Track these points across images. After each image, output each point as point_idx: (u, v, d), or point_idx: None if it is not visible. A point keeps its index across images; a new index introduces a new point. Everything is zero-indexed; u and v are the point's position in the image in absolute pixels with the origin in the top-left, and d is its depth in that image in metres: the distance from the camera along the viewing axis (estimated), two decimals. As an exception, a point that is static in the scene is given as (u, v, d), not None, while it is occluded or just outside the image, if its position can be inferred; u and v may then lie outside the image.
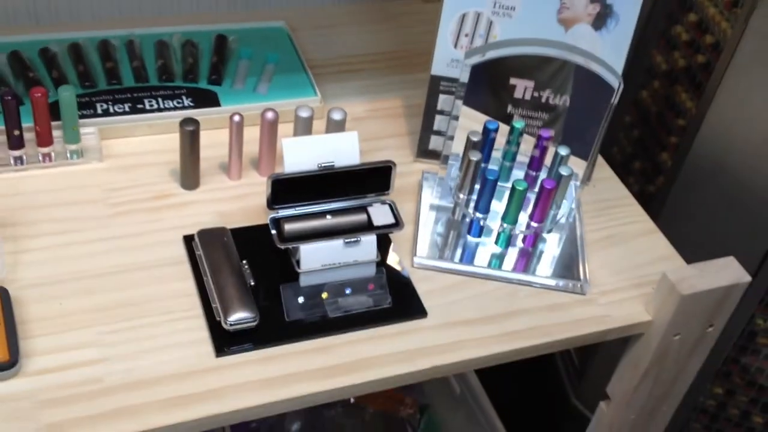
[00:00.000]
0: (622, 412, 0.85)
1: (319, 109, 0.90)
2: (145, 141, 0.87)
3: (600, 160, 0.94)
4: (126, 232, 0.78)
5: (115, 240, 0.77)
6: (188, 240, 0.77)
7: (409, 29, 1.08)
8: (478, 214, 0.81)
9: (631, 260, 0.84)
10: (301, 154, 0.75)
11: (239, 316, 0.70)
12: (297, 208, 0.76)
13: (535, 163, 0.84)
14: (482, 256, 0.81)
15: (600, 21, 0.83)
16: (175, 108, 0.88)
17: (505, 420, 1.15)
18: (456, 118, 0.82)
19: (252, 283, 0.73)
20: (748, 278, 0.78)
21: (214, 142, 0.85)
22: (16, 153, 0.81)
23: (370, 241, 0.76)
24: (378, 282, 0.76)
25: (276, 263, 0.75)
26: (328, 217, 0.76)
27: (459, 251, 0.82)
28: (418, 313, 0.75)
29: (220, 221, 0.80)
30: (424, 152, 0.90)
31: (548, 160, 0.83)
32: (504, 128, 0.83)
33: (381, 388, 0.71)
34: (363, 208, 0.77)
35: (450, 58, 0.85)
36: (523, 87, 0.82)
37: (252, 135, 0.84)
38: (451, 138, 0.83)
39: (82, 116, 0.85)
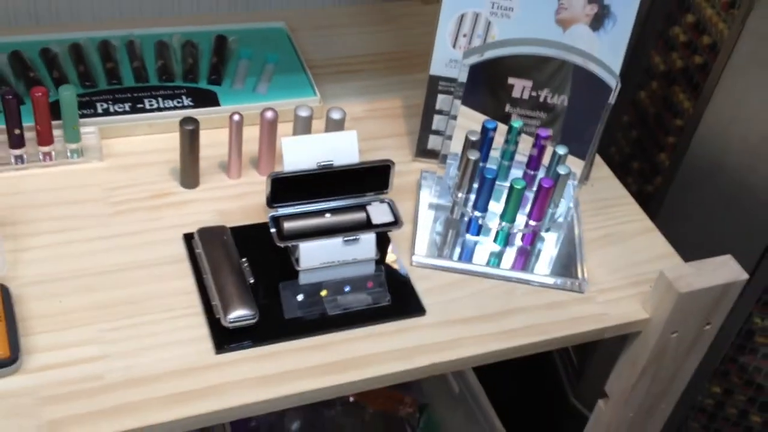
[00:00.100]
0: (620, 410, 0.85)
1: (319, 109, 0.91)
2: (145, 140, 0.87)
3: (598, 159, 0.94)
4: (126, 230, 0.78)
5: (115, 238, 0.77)
6: (188, 238, 0.78)
7: (408, 30, 1.08)
8: (477, 213, 0.81)
9: (629, 259, 0.84)
10: (301, 153, 0.75)
11: (239, 314, 0.70)
12: (296, 207, 0.76)
13: (533, 163, 0.85)
14: (481, 255, 0.82)
15: (598, 22, 0.83)
16: (175, 108, 0.89)
17: (503, 419, 1.15)
18: (454, 117, 0.83)
19: (251, 281, 0.73)
20: (745, 276, 0.78)
21: (213, 141, 0.86)
22: (17, 152, 0.81)
23: (369, 239, 0.76)
24: (377, 280, 0.76)
25: (275, 261, 0.76)
26: (328, 215, 0.76)
27: (457, 250, 0.82)
28: (416, 311, 0.75)
29: (220, 220, 0.80)
30: (423, 152, 0.91)
31: (546, 159, 0.84)
32: (502, 128, 0.83)
33: (380, 385, 0.71)
34: (362, 207, 0.78)
35: (448, 58, 0.86)
36: (521, 86, 0.82)
37: (251, 134, 0.84)
38: (450, 137, 0.84)
39: (83, 116, 0.85)
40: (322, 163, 0.76)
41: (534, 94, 0.82)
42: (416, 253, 0.80)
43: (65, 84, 0.83)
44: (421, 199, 0.86)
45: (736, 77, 0.95)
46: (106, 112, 0.87)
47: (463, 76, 0.80)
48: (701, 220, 1.04)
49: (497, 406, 1.16)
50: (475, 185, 0.81)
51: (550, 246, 0.84)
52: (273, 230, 0.75)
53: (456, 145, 0.83)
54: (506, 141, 0.84)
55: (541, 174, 0.85)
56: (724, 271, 0.78)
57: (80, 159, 0.84)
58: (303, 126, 0.84)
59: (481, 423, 1.16)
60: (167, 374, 0.67)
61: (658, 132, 1.10)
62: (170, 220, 0.80)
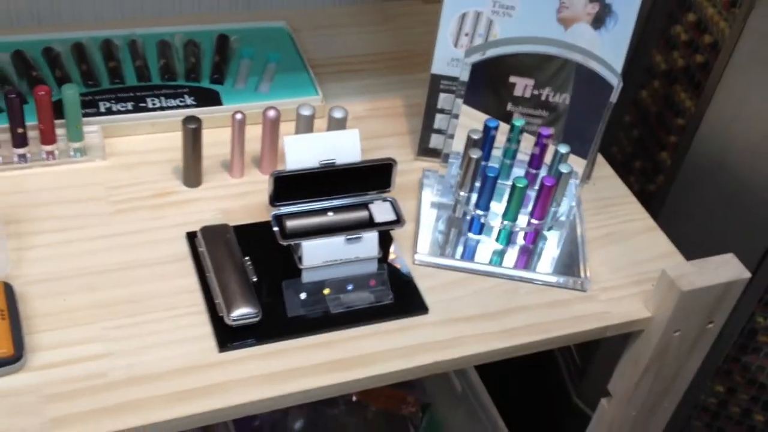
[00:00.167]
0: (623, 409, 0.86)
1: (321, 108, 0.91)
2: (147, 139, 0.87)
3: (600, 159, 0.94)
4: (129, 229, 0.78)
5: (118, 237, 0.77)
6: (191, 237, 0.78)
7: (409, 30, 1.09)
8: (479, 212, 0.82)
9: (631, 257, 0.84)
10: (303, 152, 0.75)
11: (242, 312, 0.70)
12: (299, 205, 0.76)
13: (535, 161, 0.85)
14: (483, 253, 0.82)
15: (599, 20, 0.83)
16: (178, 107, 0.89)
17: (506, 418, 1.15)
18: (456, 116, 0.83)
19: (254, 280, 0.73)
20: (747, 275, 0.78)
21: (216, 140, 0.86)
22: (20, 151, 0.82)
23: (371, 237, 0.76)
24: (379, 278, 0.77)
25: (278, 260, 0.76)
26: (330, 213, 0.76)
27: (460, 248, 0.82)
28: (419, 310, 0.76)
29: (223, 218, 0.80)
30: (425, 151, 0.91)
31: (548, 158, 0.84)
32: (504, 126, 0.83)
33: (382, 383, 0.71)
34: (364, 205, 0.78)
35: (450, 57, 0.86)
36: (523, 85, 0.82)
37: (254, 133, 0.84)
38: (452, 136, 0.84)
39: (86, 115, 0.85)
40: (325, 162, 0.76)
41: (536, 92, 0.82)
42: (419, 251, 0.80)
43: (68, 83, 0.83)
44: (423, 198, 0.86)
45: (737, 76, 0.95)
46: (109, 111, 0.87)
47: (464, 75, 0.80)
48: (703, 219, 1.04)
49: (500, 404, 1.16)
50: (477, 184, 0.81)
51: (552, 245, 0.84)
52: (276, 229, 0.75)
53: (458, 144, 0.83)
54: (508, 140, 0.84)
55: (543, 173, 0.85)
56: (727, 269, 0.78)
57: (83, 158, 0.84)
58: (305, 125, 0.84)
59: (483, 422, 1.16)
60: (170, 372, 0.67)
61: (659, 131, 1.10)
62: (173, 218, 0.80)
